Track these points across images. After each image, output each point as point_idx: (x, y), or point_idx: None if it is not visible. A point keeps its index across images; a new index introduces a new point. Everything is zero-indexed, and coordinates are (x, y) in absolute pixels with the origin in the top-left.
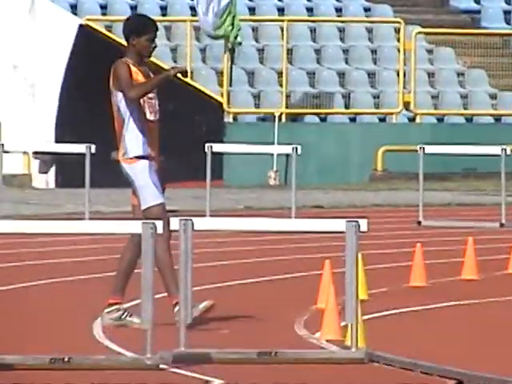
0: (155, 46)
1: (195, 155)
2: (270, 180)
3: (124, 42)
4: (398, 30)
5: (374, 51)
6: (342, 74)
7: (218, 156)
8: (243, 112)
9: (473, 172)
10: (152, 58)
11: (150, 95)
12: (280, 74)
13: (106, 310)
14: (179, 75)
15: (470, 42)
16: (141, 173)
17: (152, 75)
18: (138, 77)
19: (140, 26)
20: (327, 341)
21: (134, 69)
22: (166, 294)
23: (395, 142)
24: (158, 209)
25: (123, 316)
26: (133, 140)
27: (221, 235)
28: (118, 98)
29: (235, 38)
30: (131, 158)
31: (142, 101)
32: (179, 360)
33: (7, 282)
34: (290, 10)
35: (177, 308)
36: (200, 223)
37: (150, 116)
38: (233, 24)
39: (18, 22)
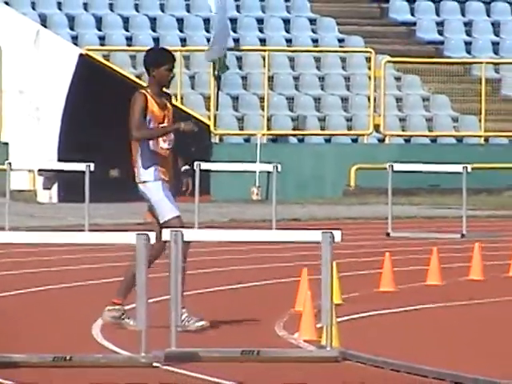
0: (173, 76)
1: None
2: (253, 195)
3: (120, 70)
4: (368, 59)
5: (347, 78)
6: (318, 99)
7: (205, 173)
8: (228, 133)
9: (437, 188)
10: (143, 84)
11: (165, 125)
12: (262, 99)
13: (108, 308)
14: (191, 128)
15: (434, 70)
16: (155, 190)
17: (169, 106)
18: (154, 108)
19: (159, 58)
20: (304, 341)
21: (151, 100)
22: (158, 299)
23: (366, 161)
24: (175, 221)
25: (122, 316)
26: (145, 166)
27: (208, 245)
28: None
29: (223, 64)
30: (142, 182)
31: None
32: (171, 358)
33: (12, 288)
34: (271, 41)
35: (183, 309)
36: (189, 234)
37: (163, 144)
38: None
39: (24, 51)
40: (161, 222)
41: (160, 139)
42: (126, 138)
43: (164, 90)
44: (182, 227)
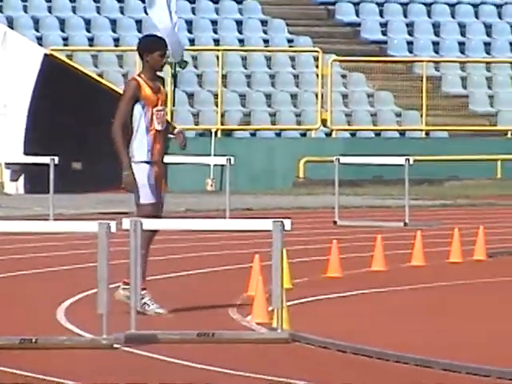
0: (166, 61)
1: None
2: (208, 186)
3: (82, 69)
4: (316, 58)
5: (296, 76)
6: (268, 96)
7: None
8: (184, 128)
9: (381, 179)
10: (106, 82)
11: (160, 107)
12: (216, 95)
13: (122, 287)
14: (125, 188)
15: (378, 68)
16: (142, 174)
17: (162, 89)
18: (147, 92)
19: (153, 44)
20: (257, 323)
21: (143, 84)
22: (118, 285)
23: (314, 154)
24: (148, 207)
25: (143, 300)
26: (139, 147)
27: (165, 233)
28: (135, 108)
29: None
30: (136, 162)
31: (150, 113)
32: (130, 340)
33: None
34: (225, 42)
35: (144, 291)
36: (148, 223)
37: (158, 126)
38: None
39: None
40: (136, 202)
41: (155, 122)
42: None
43: (157, 74)
44: (155, 215)
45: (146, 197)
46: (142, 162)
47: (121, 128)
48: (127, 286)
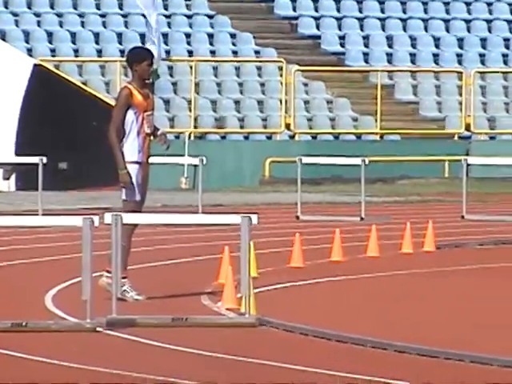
0: (153, 70)
1: None
2: (182, 184)
3: (68, 77)
4: (281, 68)
5: (262, 84)
6: (237, 102)
7: None
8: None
9: (339, 178)
10: (88, 89)
11: (149, 112)
12: (189, 102)
13: (106, 275)
14: (123, 186)
15: (337, 77)
16: (131, 173)
17: (151, 95)
18: (138, 98)
19: (141, 55)
20: (226, 309)
21: (134, 91)
22: (101, 273)
23: (279, 155)
24: (132, 204)
25: (124, 288)
26: (130, 149)
27: (143, 227)
28: (127, 114)
29: (156, 74)
30: (127, 162)
31: (141, 117)
32: (112, 324)
33: None
34: (197, 53)
35: (124, 280)
36: (128, 218)
37: (147, 129)
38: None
39: None
40: (122, 198)
41: (145, 125)
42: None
43: (145, 81)
44: (138, 211)
45: (132, 194)
46: (132, 162)
47: (115, 132)
48: (109, 274)
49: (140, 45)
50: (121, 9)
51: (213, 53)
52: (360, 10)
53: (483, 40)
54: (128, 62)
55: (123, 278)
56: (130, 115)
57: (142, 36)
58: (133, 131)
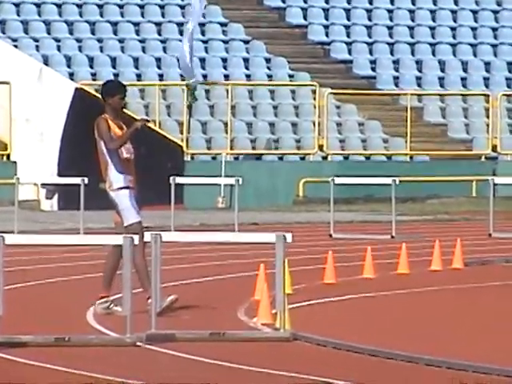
0: (126, 103)
1: (163, 185)
2: (219, 204)
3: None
4: (314, 91)
5: (296, 107)
6: (272, 125)
7: (179, 186)
8: (198, 153)
9: (371, 197)
10: (129, 112)
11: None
12: (226, 124)
13: (98, 302)
14: (144, 123)
15: (368, 100)
16: (123, 198)
17: (124, 127)
18: (116, 129)
19: (113, 89)
20: (262, 324)
21: (111, 123)
22: (141, 290)
23: (312, 175)
24: (137, 225)
25: (110, 306)
26: (115, 176)
27: (180, 245)
28: (102, 146)
29: (194, 96)
30: (115, 189)
31: None
32: (151, 339)
33: (22, 281)
34: (233, 77)
35: (149, 300)
36: (167, 236)
37: (126, 155)
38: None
39: (29, 86)
40: (125, 224)
41: (123, 152)
42: (95, 154)
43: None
44: (142, 231)
45: (133, 217)
46: (120, 188)
47: (114, 140)
48: (102, 300)
49: (114, 78)
50: (159, 34)
51: (248, 77)
52: (390, 35)
53: (509, 64)
54: (102, 95)
55: (105, 296)
56: None
57: (179, 60)
58: (113, 160)
